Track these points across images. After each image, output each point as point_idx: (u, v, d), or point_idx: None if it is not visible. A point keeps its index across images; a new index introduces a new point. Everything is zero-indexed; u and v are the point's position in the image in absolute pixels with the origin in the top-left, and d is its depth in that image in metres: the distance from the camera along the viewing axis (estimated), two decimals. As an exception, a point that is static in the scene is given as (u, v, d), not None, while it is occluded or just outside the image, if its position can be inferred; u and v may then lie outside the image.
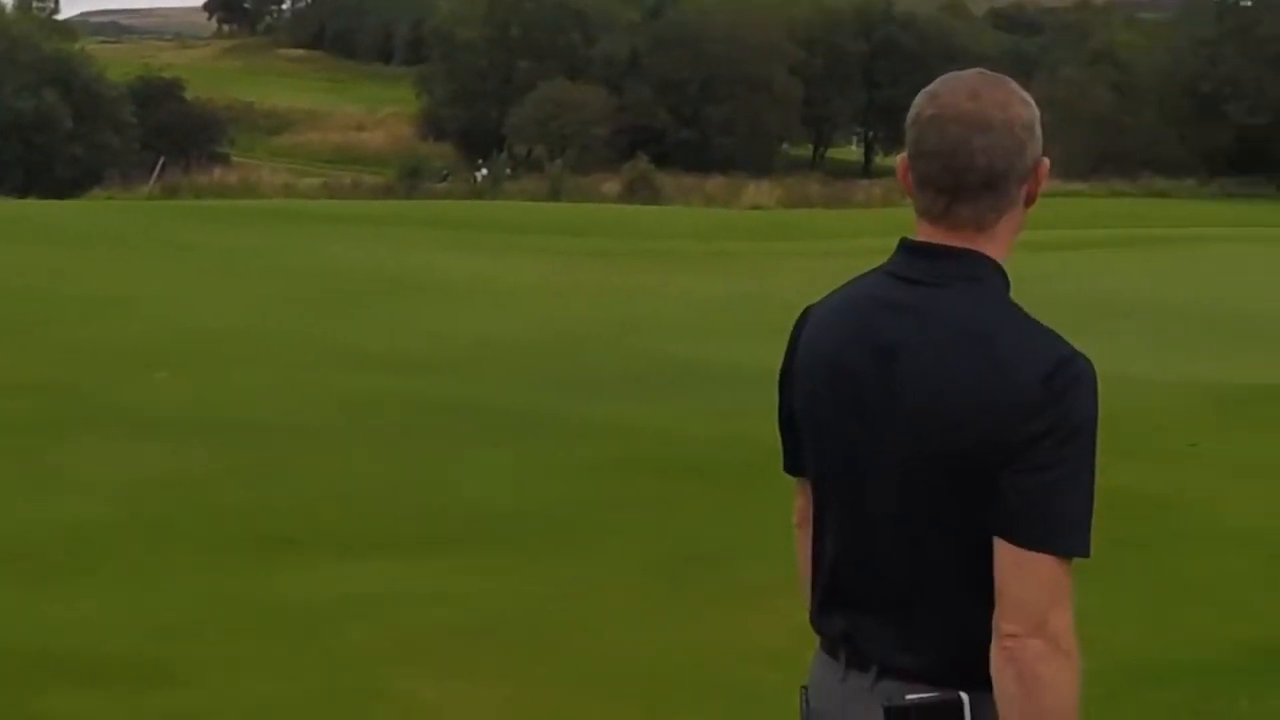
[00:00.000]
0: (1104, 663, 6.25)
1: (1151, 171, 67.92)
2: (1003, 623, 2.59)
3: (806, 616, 2.97)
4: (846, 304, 2.86)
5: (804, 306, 3.01)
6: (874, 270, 2.86)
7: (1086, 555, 2.61)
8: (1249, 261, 33.03)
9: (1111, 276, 27.06)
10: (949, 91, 2.72)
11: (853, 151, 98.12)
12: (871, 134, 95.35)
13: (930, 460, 2.67)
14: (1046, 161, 2.79)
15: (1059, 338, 2.68)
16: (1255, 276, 29.02)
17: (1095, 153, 67.25)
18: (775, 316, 18.57)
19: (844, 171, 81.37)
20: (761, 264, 30.35)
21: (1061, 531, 2.59)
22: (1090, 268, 28.50)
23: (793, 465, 3.02)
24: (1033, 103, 2.77)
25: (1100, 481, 2.65)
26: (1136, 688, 6.54)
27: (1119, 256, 30.79)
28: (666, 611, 7.68)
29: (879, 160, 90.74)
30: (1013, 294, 2.77)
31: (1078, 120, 66.16)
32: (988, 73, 2.79)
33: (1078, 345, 2.69)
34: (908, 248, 2.81)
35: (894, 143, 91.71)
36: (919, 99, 2.77)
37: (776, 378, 3.00)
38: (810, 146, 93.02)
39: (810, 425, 2.88)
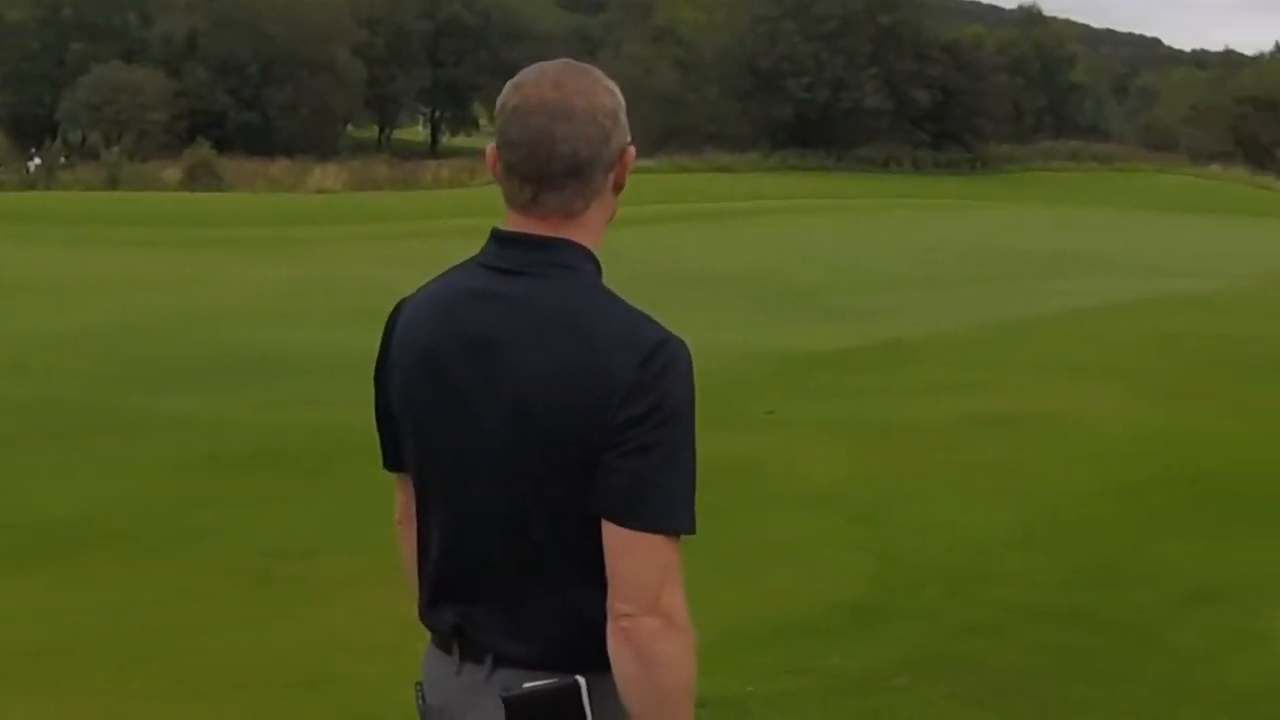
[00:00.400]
0: (702, 630, 6.35)
1: (715, 147, 69.90)
2: (616, 603, 2.60)
3: (406, 607, 2.93)
4: (440, 296, 2.82)
5: (396, 299, 2.97)
6: (467, 261, 2.84)
7: (693, 532, 2.65)
8: (810, 232, 34.44)
9: (681, 251, 27.80)
10: (533, 82, 2.72)
11: (419, 132, 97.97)
12: (438, 114, 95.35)
13: (532, 449, 2.66)
14: (633, 149, 2.81)
15: (653, 321, 2.70)
16: (816, 247, 30.23)
17: (660, 129, 68.76)
18: (348, 302, 18.43)
19: (410, 153, 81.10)
20: (331, 249, 30.10)
21: (667, 511, 2.62)
22: (660, 244, 29.12)
23: (392, 461, 2.96)
24: (618, 91, 2.78)
25: (688, 455, 2.69)
26: (734, 651, 6.70)
27: (688, 231, 31.59)
28: (259, 611, 7.49)
29: (445, 141, 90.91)
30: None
31: (642, 98, 67.54)
32: (572, 62, 2.79)
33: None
34: (499, 238, 2.79)
35: (460, 123, 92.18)
36: (506, 89, 2.76)
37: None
38: (375, 128, 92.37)
39: (409, 419, 2.83)
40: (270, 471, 10.29)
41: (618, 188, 2.81)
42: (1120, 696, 6.62)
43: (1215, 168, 75.60)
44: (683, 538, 2.65)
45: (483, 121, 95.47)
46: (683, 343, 2.69)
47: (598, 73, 2.78)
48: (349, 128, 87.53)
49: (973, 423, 12.25)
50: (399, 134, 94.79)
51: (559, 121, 2.67)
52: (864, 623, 7.51)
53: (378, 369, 2.91)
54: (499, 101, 2.75)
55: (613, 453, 2.60)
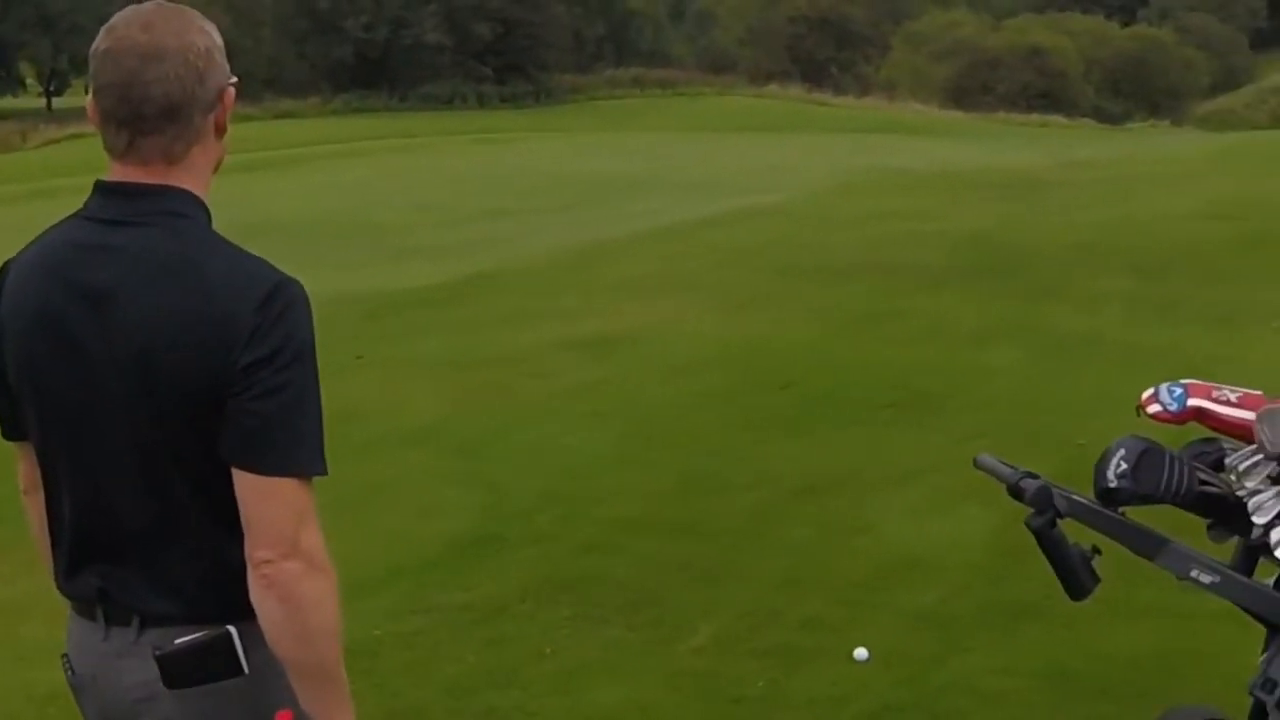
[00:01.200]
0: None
1: (275, 92, 68.53)
2: (255, 550, 2.60)
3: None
4: (46, 254, 2.74)
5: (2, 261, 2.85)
6: (71, 216, 2.77)
7: (324, 473, 2.66)
8: (381, 173, 34.24)
9: (250, 201, 27.16)
10: (124, 24, 2.66)
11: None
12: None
13: (158, 402, 2.61)
14: (233, 90, 2.79)
15: (269, 265, 2.68)
16: (388, 187, 30.09)
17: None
18: None
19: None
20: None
21: (297, 453, 2.62)
22: (228, 195, 28.28)
23: (12, 430, 2.89)
24: (214, 31, 2.75)
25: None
26: (355, 598, 6.59)
27: (255, 181, 30.98)
28: None
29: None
30: None
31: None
32: (166, 4, 2.73)
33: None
34: (103, 189, 2.73)
35: (5, 84, 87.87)
36: (100, 33, 2.69)
37: None
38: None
39: (28, 384, 2.75)
40: None
41: (220, 130, 2.78)
42: (740, 596, 6.86)
43: (774, 87, 77.70)
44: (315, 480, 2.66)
45: (29, 81, 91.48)
46: (299, 283, 2.69)
47: (193, 13, 2.73)
48: None
49: (563, 348, 12.37)
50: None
51: (150, 63, 2.62)
52: (481, 554, 7.57)
53: None
54: (92, 47, 2.69)
55: (240, 398, 2.58)
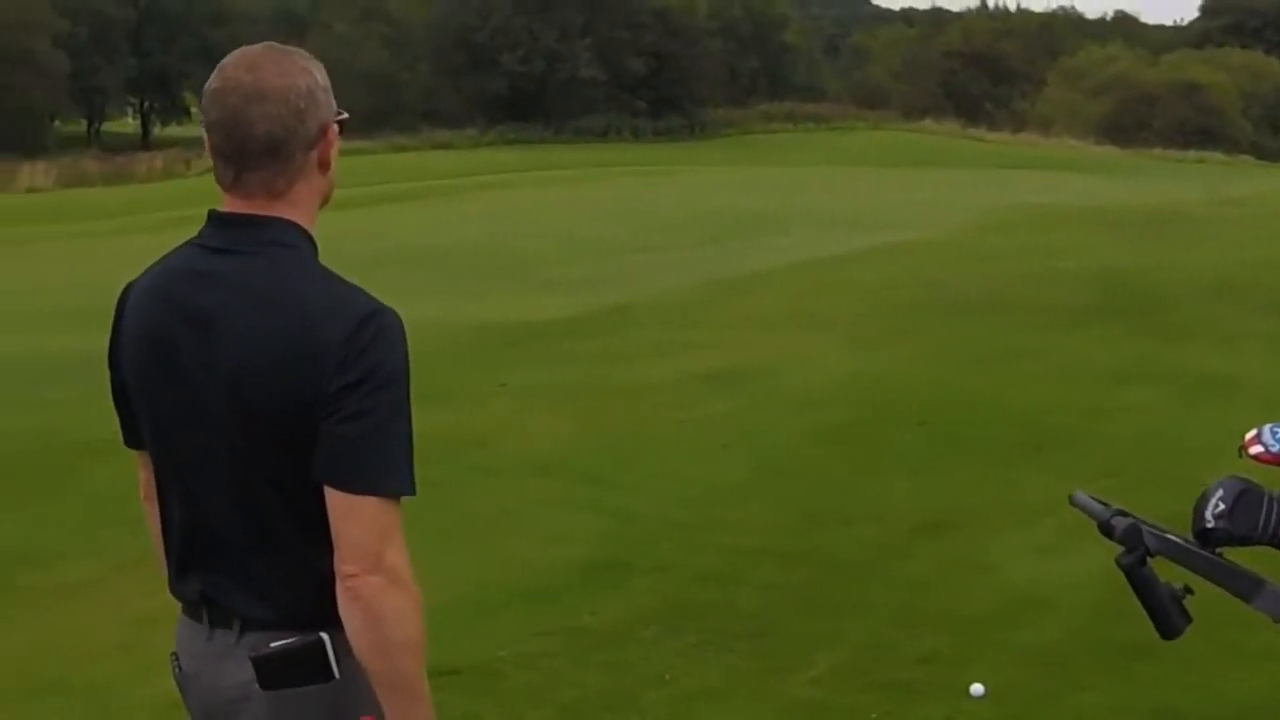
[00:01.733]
0: (444, 599, 6.46)
1: (432, 124, 69.38)
2: (342, 564, 2.72)
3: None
4: (162, 277, 2.91)
5: (110, 296, 3.04)
6: (187, 242, 2.92)
7: (412, 494, 2.76)
8: (531, 204, 34.51)
9: (403, 229, 27.63)
10: (233, 65, 2.80)
11: (129, 124, 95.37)
12: (147, 104, 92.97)
13: (253, 420, 2.75)
14: (336, 127, 2.90)
15: (365, 294, 2.81)
16: (537, 218, 30.31)
17: (373, 108, 67.97)
18: (62, 302, 17.64)
19: (123, 145, 78.81)
20: (43, 249, 29.31)
21: (384, 474, 2.73)
22: (381, 222, 28.93)
23: (131, 439, 3.05)
24: (318, 71, 2.87)
25: (414, 426, 2.80)
26: (479, 619, 6.80)
27: (409, 209, 31.40)
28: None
29: (157, 132, 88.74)
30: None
31: (353, 78, 66.71)
32: (275, 45, 2.87)
33: (381, 298, 2.83)
34: (214, 219, 2.88)
35: (171, 112, 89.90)
36: (213, 74, 2.83)
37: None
38: (84, 122, 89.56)
39: (140, 397, 2.92)
40: (3, 477, 10.01)
41: (324, 166, 2.90)
42: (857, 629, 6.87)
43: (928, 122, 77.42)
44: (406, 501, 2.76)
45: (193, 110, 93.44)
46: (394, 312, 2.80)
47: (299, 54, 2.86)
48: (56, 123, 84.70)
49: (695, 380, 12.45)
50: (109, 126, 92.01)
51: (253, 102, 2.75)
52: (606, 580, 7.64)
53: (110, 350, 3.00)
54: (205, 86, 2.83)
55: (330, 420, 2.70)
